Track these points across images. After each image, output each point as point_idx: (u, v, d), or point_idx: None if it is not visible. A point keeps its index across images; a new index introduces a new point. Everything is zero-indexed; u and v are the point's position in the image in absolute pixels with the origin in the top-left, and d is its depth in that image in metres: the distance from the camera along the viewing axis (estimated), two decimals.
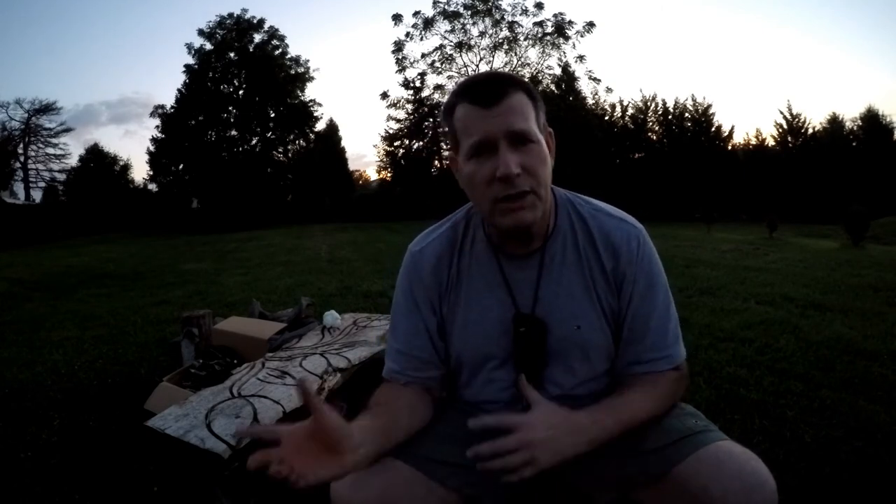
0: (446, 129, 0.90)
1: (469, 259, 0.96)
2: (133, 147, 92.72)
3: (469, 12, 26.58)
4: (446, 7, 26.60)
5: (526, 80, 0.92)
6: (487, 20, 26.68)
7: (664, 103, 27.13)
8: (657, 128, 27.27)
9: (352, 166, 33.98)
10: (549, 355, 0.92)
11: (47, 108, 31.47)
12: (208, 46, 27.54)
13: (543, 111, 0.88)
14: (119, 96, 75.44)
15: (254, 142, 28.41)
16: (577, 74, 26.65)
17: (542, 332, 0.91)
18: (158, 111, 27.49)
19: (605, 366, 0.95)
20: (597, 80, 26.91)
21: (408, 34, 27.14)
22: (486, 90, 0.83)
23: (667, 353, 0.91)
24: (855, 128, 25.40)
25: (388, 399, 0.92)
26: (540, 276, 0.92)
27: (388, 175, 29.56)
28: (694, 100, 26.75)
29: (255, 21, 28.02)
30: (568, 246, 0.93)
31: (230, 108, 27.84)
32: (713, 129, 26.23)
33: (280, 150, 29.22)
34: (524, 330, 0.91)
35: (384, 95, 27.94)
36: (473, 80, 0.86)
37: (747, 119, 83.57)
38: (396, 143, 28.67)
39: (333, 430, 0.72)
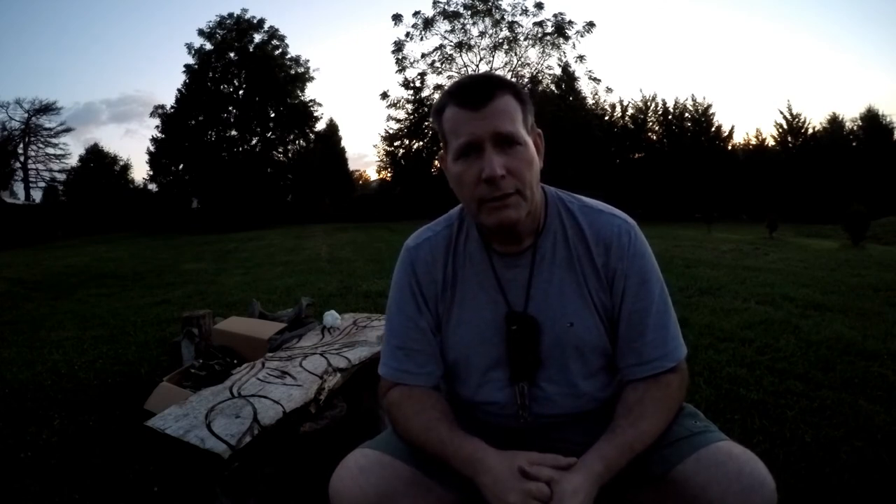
0: (436, 128, 0.91)
1: (463, 258, 0.96)
2: (133, 146, 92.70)
3: (469, 12, 26.56)
4: (446, 7, 26.62)
5: (524, 80, 0.92)
6: (487, 20, 26.66)
7: (664, 103, 27.20)
8: (657, 128, 27.29)
9: (352, 166, 34.09)
10: (543, 354, 0.92)
11: (47, 108, 31.43)
12: (208, 46, 27.56)
13: (532, 112, 0.89)
14: (120, 94, 75.08)
15: (254, 142, 28.41)
16: (577, 74, 26.66)
17: (535, 331, 0.91)
18: (158, 111, 27.56)
19: (601, 363, 0.94)
20: (597, 80, 26.94)
21: (408, 34, 27.17)
22: (473, 92, 0.83)
23: (668, 350, 0.90)
24: (855, 128, 25.46)
25: (435, 407, 0.91)
26: (531, 275, 0.92)
27: (388, 175, 29.57)
28: (694, 100, 26.86)
29: (255, 21, 28.05)
30: (558, 243, 0.93)
31: (230, 108, 27.83)
32: (713, 129, 26.27)
33: (280, 150, 29.22)
34: (516, 328, 0.91)
35: (384, 95, 28.01)
36: (462, 82, 0.87)
37: (747, 119, 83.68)
38: (396, 143, 28.69)
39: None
